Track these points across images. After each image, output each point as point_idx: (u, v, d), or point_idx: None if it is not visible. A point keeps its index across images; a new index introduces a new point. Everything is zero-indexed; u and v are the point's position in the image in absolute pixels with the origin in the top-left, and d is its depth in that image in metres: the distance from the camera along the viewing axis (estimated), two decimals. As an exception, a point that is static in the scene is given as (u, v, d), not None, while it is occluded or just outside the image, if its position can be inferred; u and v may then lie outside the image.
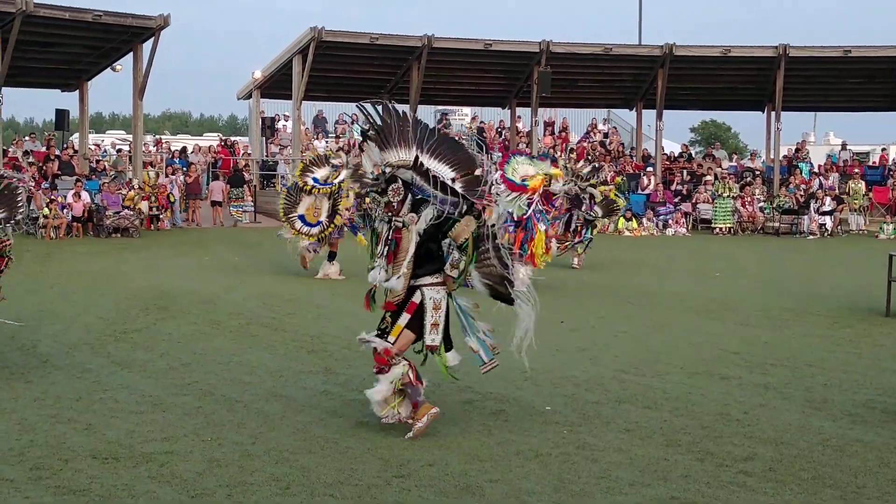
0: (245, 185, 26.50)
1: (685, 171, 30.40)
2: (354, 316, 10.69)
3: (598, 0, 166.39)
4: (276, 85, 28.69)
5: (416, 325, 6.29)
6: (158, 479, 5.35)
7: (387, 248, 6.26)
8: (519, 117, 32.37)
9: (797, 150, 32.19)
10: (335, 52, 27.22)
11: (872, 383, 7.96)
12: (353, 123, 31.77)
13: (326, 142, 30.69)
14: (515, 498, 5.17)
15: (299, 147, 27.25)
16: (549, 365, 8.18)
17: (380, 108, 6.34)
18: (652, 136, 31.49)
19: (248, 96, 29.62)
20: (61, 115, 28.01)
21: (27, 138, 28.23)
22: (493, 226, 6.35)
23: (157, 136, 40.16)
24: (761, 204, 27.66)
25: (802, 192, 28.05)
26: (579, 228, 16.17)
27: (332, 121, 33.19)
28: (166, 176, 25.19)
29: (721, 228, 26.91)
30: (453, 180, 6.30)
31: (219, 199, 25.63)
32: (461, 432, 6.32)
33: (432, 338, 6.30)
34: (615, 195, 18.03)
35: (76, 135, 29.89)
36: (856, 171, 29.10)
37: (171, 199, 24.13)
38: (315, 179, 14.31)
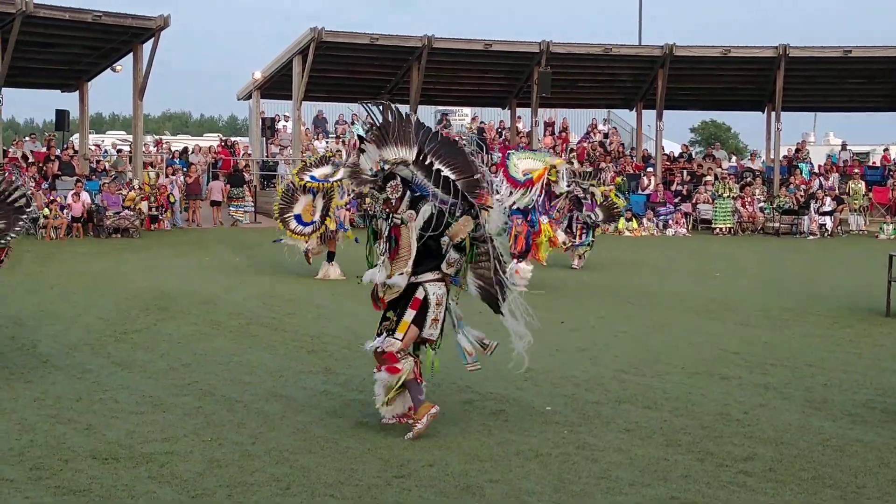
0: (245, 186, 26.51)
1: (685, 172, 30.40)
2: (354, 316, 10.73)
3: (598, 0, 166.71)
4: (276, 85, 28.69)
5: (420, 321, 6.33)
6: (158, 480, 5.34)
7: (388, 245, 6.29)
8: (519, 118, 32.38)
9: (797, 151, 32.19)
10: (335, 52, 27.22)
11: (872, 383, 7.96)
12: (352, 123, 31.74)
13: (327, 142, 30.68)
14: (515, 498, 5.16)
15: (299, 147, 27.25)
16: (549, 365, 8.18)
17: (381, 107, 6.37)
18: (652, 137, 31.50)
19: (249, 97, 29.63)
20: (61, 115, 28.02)
21: (27, 139, 28.17)
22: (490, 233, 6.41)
23: (158, 137, 40.15)
24: (761, 204, 27.66)
25: (802, 193, 28.06)
26: (579, 231, 16.19)
27: (332, 121, 33.14)
28: (166, 176, 25.20)
29: (721, 229, 26.92)
30: (453, 181, 6.33)
31: (219, 199, 25.65)
32: (461, 432, 6.32)
33: (431, 332, 6.35)
34: (615, 196, 18.07)
35: (76, 135, 29.89)
36: (856, 171, 29.12)
37: (172, 200, 24.14)
38: (313, 177, 14.32)
